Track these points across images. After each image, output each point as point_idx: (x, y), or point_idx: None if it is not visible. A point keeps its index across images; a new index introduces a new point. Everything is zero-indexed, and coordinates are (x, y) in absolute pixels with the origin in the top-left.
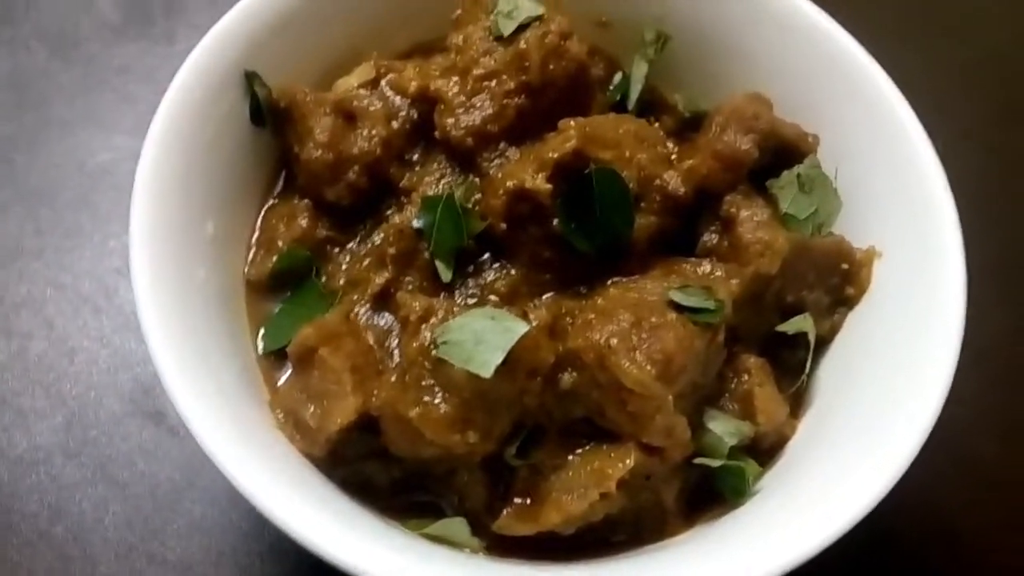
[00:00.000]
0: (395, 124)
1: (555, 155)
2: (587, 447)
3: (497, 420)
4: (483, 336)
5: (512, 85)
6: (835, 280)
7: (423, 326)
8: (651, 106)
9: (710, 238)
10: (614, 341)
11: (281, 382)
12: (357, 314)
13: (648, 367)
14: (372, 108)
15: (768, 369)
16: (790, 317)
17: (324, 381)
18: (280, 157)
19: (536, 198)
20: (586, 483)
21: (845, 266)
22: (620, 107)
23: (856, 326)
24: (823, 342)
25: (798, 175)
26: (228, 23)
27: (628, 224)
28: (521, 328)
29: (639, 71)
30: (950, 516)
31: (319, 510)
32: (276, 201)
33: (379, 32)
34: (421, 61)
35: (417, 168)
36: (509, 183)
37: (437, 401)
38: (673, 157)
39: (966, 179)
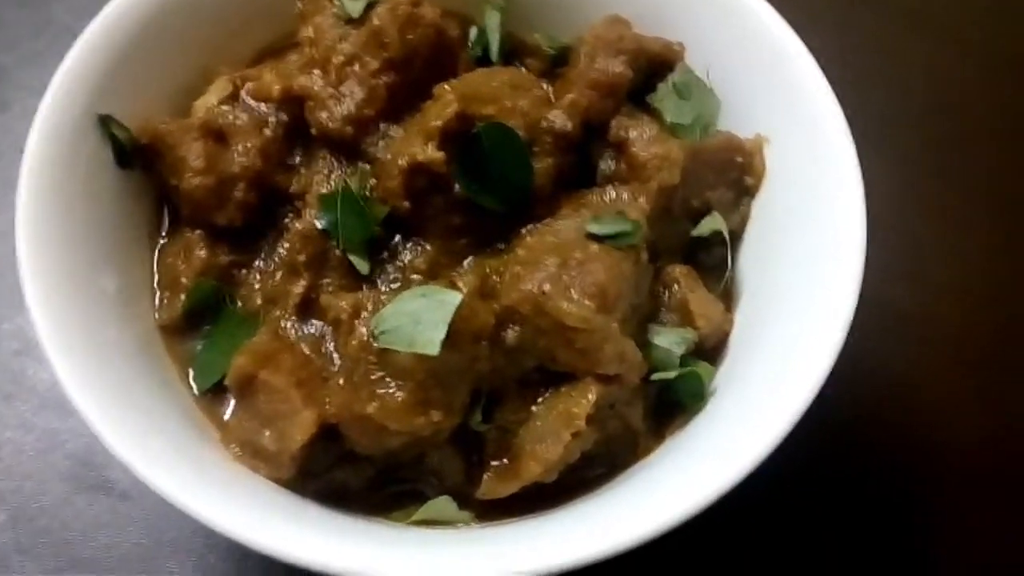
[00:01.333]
0: (267, 132)
1: (439, 122)
2: (546, 394)
3: (455, 393)
4: (420, 316)
5: (376, 64)
6: (733, 174)
7: (356, 323)
8: (513, 53)
9: (607, 165)
10: (547, 286)
11: (227, 416)
12: (284, 328)
13: (586, 301)
14: (239, 122)
15: (694, 274)
16: (700, 220)
17: (272, 403)
18: (158, 194)
19: (431, 169)
20: (556, 428)
21: (739, 159)
22: (484, 61)
23: (763, 212)
24: (736, 235)
25: (674, 84)
26: (69, 71)
27: (527, 172)
28: (455, 298)
29: (493, 21)
30: (896, 371)
31: (303, 527)
32: (167, 240)
33: (223, 46)
34: (274, 63)
35: (302, 170)
36: (401, 161)
37: (391, 391)
38: (551, 97)
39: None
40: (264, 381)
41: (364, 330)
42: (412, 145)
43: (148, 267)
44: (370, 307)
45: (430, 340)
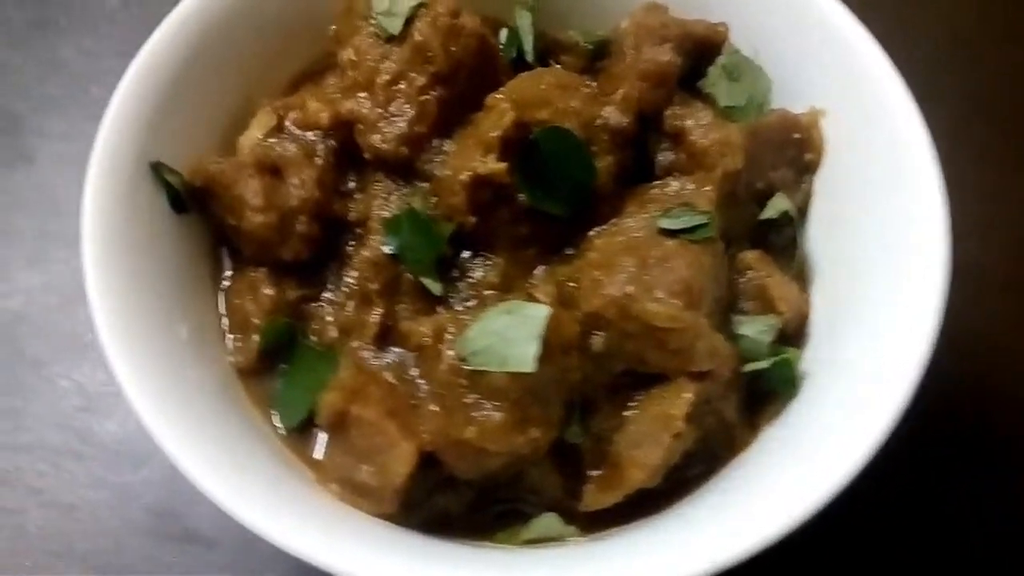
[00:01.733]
0: (319, 160)
1: (498, 132)
2: (638, 398)
3: (551, 407)
4: (508, 333)
5: (423, 80)
6: (792, 152)
7: (441, 347)
8: (547, 52)
9: (665, 157)
10: (630, 289)
11: (317, 454)
12: (366, 359)
13: (672, 300)
14: (291, 153)
15: (767, 258)
16: (764, 202)
17: (367, 437)
18: (215, 236)
19: (494, 181)
20: (654, 431)
21: (796, 135)
22: (519, 63)
23: (827, 187)
24: (801, 213)
25: (723, 67)
26: (115, 119)
27: (590, 172)
28: (542, 311)
29: (524, 21)
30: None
31: (416, 559)
32: (231, 281)
33: (260, 76)
34: (313, 89)
35: (357, 196)
36: (463, 176)
37: (488, 413)
38: (599, 93)
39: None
40: (357, 416)
41: (451, 354)
42: (471, 159)
43: (215, 310)
44: (452, 329)
45: (524, 357)
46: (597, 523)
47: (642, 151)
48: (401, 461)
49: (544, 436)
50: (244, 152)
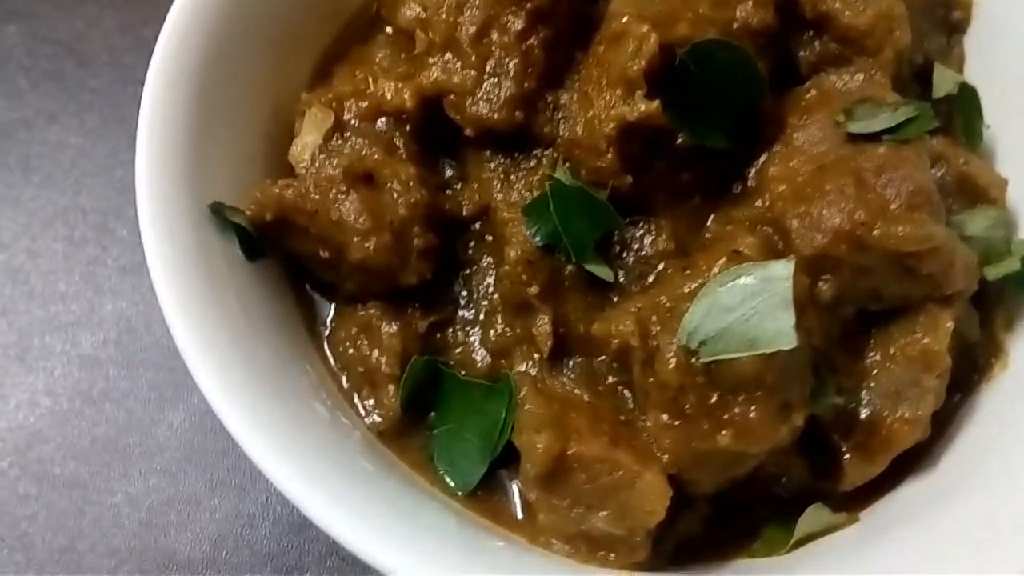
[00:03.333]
0: (403, 153)
1: (642, 63)
2: (873, 344)
3: (804, 381)
4: (746, 306)
5: (521, 23)
6: (940, 12)
7: (655, 343)
8: None
9: (810, 51)
10: (860, 215)
11: (511, 510)
12: (545, 382)
13: (916, 215)
14: (377, 154)
15: (953, 141)
16: (924, 79)
17: (598, 476)
18: (293, 278)
19: (648, 124)
20: (913, 375)
21: None
22: None
23: (983, 49)
24: None
25: None
26: (148, 161)
27: (760, 87)
28: (786, 269)
29: None
30: None
31: None
32: (334, 327)
33: (286, 70)
34: (358, 70)
35: (461, 185)
36: (607, 128)
37: (740, 410)
38: None
39: None
40: (577, 455)
41: (672, 348)
42: (612, 104)
43: (324, 368)
44: (655, 319)
45: (780, 331)
46: (863, 501)
47: (781, 49)
48: (650, 496)
49: (803, 418)
50: (304, 164)
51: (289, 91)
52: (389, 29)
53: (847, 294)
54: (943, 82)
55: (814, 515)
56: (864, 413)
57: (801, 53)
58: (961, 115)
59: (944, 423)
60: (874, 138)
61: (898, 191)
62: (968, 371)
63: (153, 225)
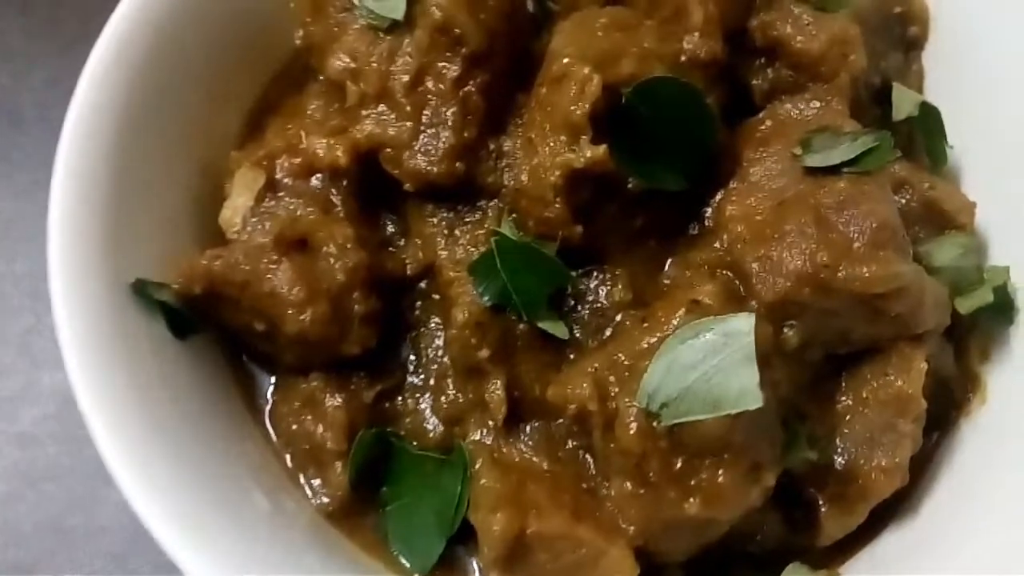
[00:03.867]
0: (340, 212)
1: (585, 106)
2: (844, 388)
3: (774, 437)
4: (708, 362)
5: (457, 69)
6: (897, 30)
7: (614, 407)
8: None
9: (764, 79)
10: (822, 256)
11: None
12: (501, 452)
13: (882, 253)
14: (313, 214)
15: (916, 165)
16: (883, 99)
17: (561, 555)
18: (229, 351)
19: (596, 170)
20: (888, 420)
21: (897, 8)
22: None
23: (941, 62)
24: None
25: None
26: (61, 231)
27: (710, 124)
28: (746, 323)
29: None
30: None
31: None
32: (275, 402)
33: (206, 126)
34: (290, 123)
35: (403, 242)
36: (552, 177)
37: (707, 475)
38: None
39: None
40: (537, 534)
41: (633, 411)
42: (556, 151)
43: (264, 448)
44: (613, 379)
45: (744, 390)
46: (843, 554)
47: (733, 79)
48: (621, 569)
49: (775, 476)
50: (236, 229)
51: (218, 147)
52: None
53: (813, 339)
54: (903, 103)
55: (793, 574)
56: (839, 462)
57: (754, 81)
58: (924, 136)
59: (923, 464)
60: (834, 171)
61: (861, 228)
62: (945, 407)
63: (66, 305)
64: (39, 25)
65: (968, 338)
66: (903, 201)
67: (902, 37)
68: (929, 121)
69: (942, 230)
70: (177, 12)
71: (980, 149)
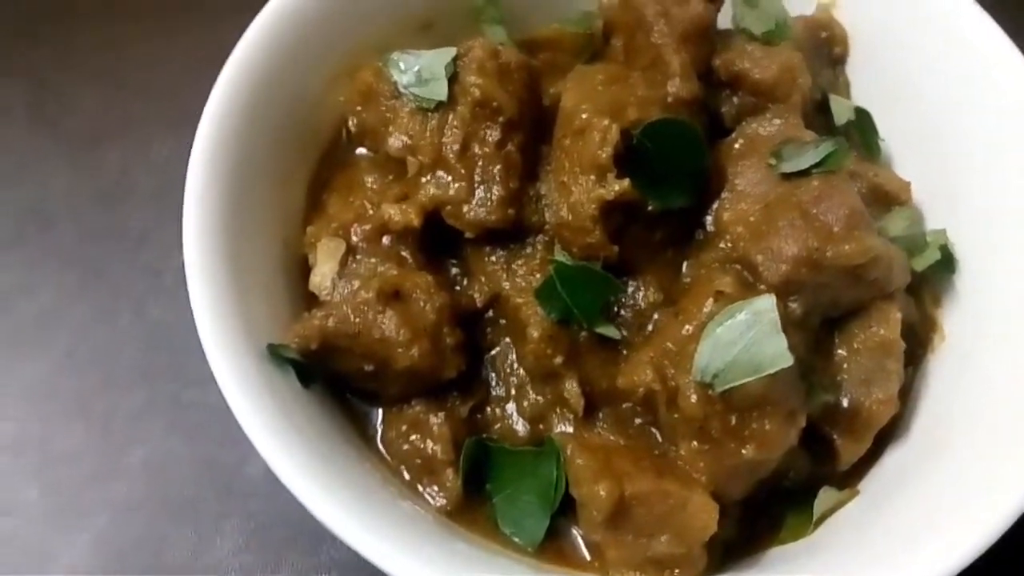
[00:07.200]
0: (413, 263)
1: (609, 150)
2: (838, 343)
3: (799, 389)
4: (745, 338)
5: (498, 134)
6: (825, 51)
7: (674, 385)
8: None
9: (730, 105)
10: (813, 242)
11: (582, 555)
12: (585, 437)
13: (857, 232)
14: (393, 270)
15: (859, 157)
16: (823, 109)
17: (654, 507)
18: (335, 393)
19: (624, 200)
20: (878, 362)
21: (824, 34)
22: None
23: (863, 70)
24: None
25: None
26: (210, 319)
27: (701, 151)
28: (768, 301)
29: (499, 35)
30: None
31: None
32: (385, 429)
33: (285, 207)
34: (349, 193)
35: (467, 280)
36: (590, 209)
37: (757, 425)
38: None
39: None
40: (633, 494)
41: (692, 385)
42: (589, 188)
43: (380, 464)
44: (667, 363)
45: (778, 353)
46: (859, 474)
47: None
48: (701, 514)
49: (805, 418)
50: (327, 291)
51: (291, 225)
52: (361, 150)
53: (812, 308)
54: (841, 111)
55: (825, 496)
56: (844, 402)
57: (723, 109)
58: (860, 135)
59: (906, 394)
60: (804, 173)
61: (837, 216)
62: (914, 347)
63: (228, 371)
64: None
65: (922, 289)
66: (855, 188)
67: (829, 56)
68: (863, 122)
69: (889, 207)
70: (248, 108)
71: (901, 139)
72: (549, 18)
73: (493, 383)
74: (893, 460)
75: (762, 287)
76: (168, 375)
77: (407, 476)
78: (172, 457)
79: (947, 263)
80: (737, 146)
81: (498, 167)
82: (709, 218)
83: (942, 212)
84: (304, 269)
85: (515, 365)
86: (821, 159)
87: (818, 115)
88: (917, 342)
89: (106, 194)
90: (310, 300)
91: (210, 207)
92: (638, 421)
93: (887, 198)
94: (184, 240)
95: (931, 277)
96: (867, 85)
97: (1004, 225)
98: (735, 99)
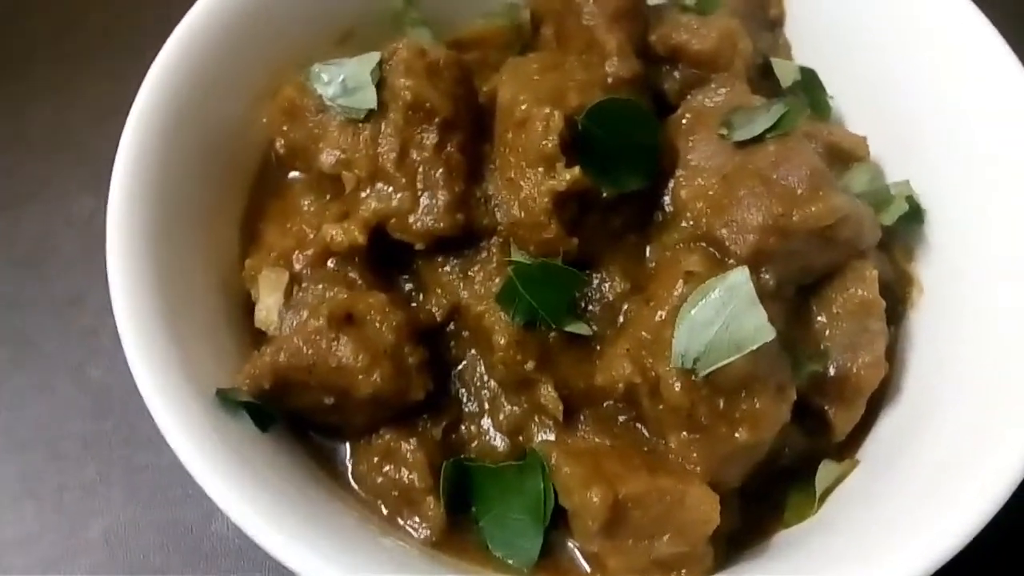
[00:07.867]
0: (362, 284)
1: (554, 139)
2: (816, 310)
3: (784, 361)
4: (721, 314)
5: (435, 136)
6: (760, 14)
7: (654, 375)
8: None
9: (672, 81)
10: (777, 209)
11: (582, 568)
12: (571, 444)
13: (822, 192)
14: (342, 293)
15: (812, 118)
16: (766, 73)
17: (651, 507)
18: (295, 433)
19: (576, 189)
20: (860, 323)
21: None
22: None
23: (803, 30)
24: None
25: None
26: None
27: (654, 129)
28: (740, 275)
29: (424, 36)
30: None
31: None
32: (352, 465)
33: (219, 241)
34: (287, 219)
35: (424, 295)
36: (543, 203)
37: (747, 406)
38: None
39: None
40: (628, 497)
41: (673, 374)
42: (538, 181)
43: (353, 503)
44: (645, 353)
45: (759, 327)
46: (856, 443)
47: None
48: (701, 507)
49: (795, 391)
50: (274, 325)
51: (228, 261)
52: (293, 173)
53: (785, 278)
54: (786, 72)
55: (826, 470)
56: (832, 371)
57: (665, 85)
58: (807, 94)
59: (892, 354)
60: (759, 139)
61: (799, 177)
62: (894, 305)
63: (175, 425)
64: None
65: (893, 244)
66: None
67: (766, 19)
68: (810, 82)
69: (848, 165)
70: (164, 146)
71: (850, 94)
72: (472, 13)
73: (464, 399)
74: (888, 424)
75: (731, 262)
76: (117, 440)
77: (385, 510)
78: (133, 526)
79: (915, 214)
80: (685, 121)
81: (440, 171)
82: (667, 198)
83: (900, 163)
84: (248, 306)
85: (485, 377)
86: (775, 122)
87: (763, 81)
88: (896, 299)
89: (27, 260)
90: (258, 338)
91: (136, 259)
92: (622, 419)
93: (845, 155)
94: (112, 298)
95: (900, 231)
96: (808, 45)
97: (966, 168)
98: (676, 73)
